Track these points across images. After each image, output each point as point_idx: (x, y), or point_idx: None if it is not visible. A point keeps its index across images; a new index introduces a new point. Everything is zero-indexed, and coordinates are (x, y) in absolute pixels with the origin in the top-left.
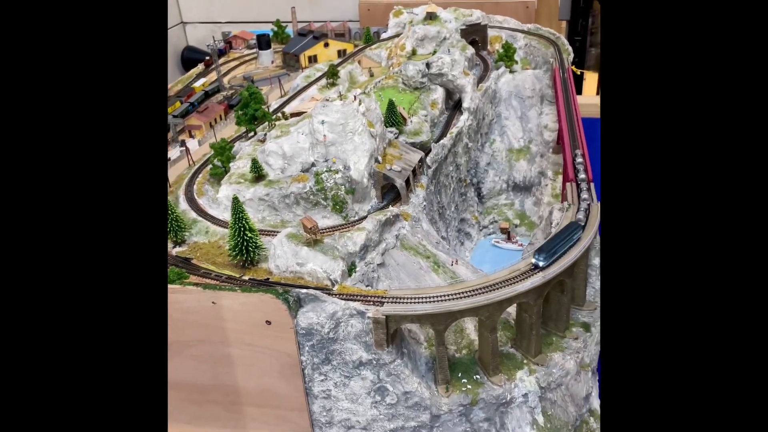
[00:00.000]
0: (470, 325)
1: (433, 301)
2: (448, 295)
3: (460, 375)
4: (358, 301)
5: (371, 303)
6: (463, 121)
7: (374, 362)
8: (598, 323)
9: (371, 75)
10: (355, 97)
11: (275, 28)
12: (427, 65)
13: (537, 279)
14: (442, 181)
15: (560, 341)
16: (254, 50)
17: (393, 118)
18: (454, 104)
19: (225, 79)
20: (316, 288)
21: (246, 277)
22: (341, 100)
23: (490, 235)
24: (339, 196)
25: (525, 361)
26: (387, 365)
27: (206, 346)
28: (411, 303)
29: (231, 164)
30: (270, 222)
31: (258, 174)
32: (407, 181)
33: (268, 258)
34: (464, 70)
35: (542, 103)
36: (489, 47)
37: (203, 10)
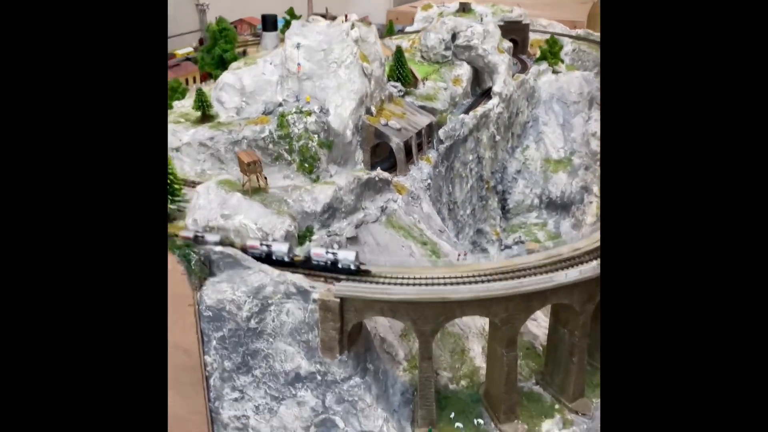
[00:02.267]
0: (477, 346)
1: (422, 284)
2: (443, 279)
3: (453, 416)
4: (302, 273)
5: (323, 279)
6: (492, 105)
7: (319, 377)
8: None
9: (387, 59)
10: (346, 16)
11: (287, 17)
12: (453, 36)
13: (588, 268)
14: (458, 170)
15: None
16: (259, 37)
17: (401, 71)
18: (482, 92)
19: None
20: (242, 249)
21: None
22: (328, 19)
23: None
24: (309, 148)
25: (557, 406)
26: (338, 384)
27: None
28: (385, 284)
29: (176, 103)
30: (211, 177)
31: (204, 112)
32: (407, 146)
33: (188, 212)
34: (498, 46)
35: (591, 107)
36: (530, 49)
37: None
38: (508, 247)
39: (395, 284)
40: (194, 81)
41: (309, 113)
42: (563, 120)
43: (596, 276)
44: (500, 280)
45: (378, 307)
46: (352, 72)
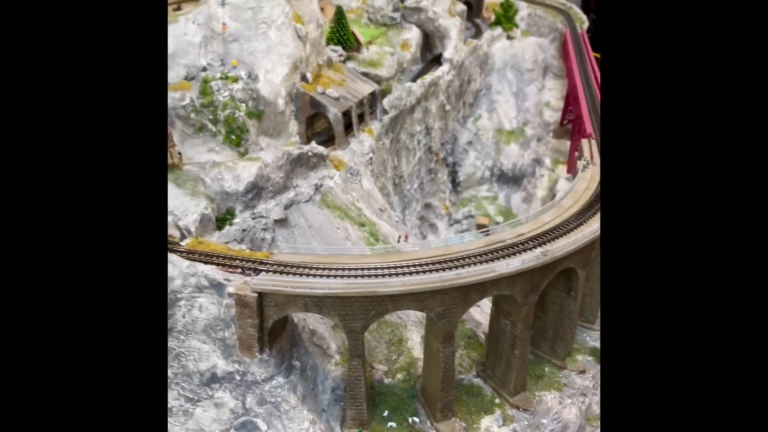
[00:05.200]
0: (416, 336)
1: (350, 276)
2: (374, 269)
3: (387, 414)
4: (217, 264)
5: (240, 270)
6: (442, 72)
7: (238, 377)
8: None
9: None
10: None
11: None
12: None
13: (531, 257)
14: (404, 142)
15: (557, 374)
16: None
17: (342, 34)
18: (432, 58)
19: None
20: None
21: None
22: None
23: (462, 232)
24: (236, 119)
25: (498, 401)
26: (259, 385)
27: None
28: (309, 276)
29: None
30: None
31: None
32: (347, 117)
33: None
34: (450, 9)
35: (545, 76)
36: (484, 13)
37: None
38: (457, 221)
39: (321, 276)
40: None
41: (235, 79)
42: (517, 89)
43: (540, 265)
44: (436, 270)
45: (302, 303)
46: (284, 34)
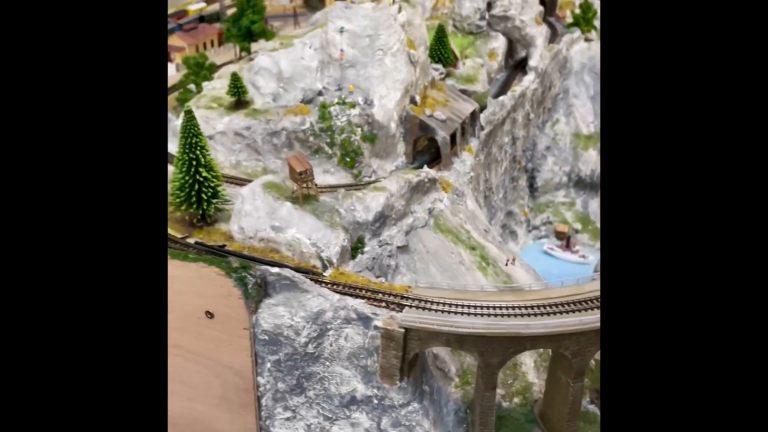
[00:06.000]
0: (529, 360)
1: (490, 315)
2: (515, 308)
3: None
4: (364, 298)
5: (384, 304)
6: (528, 81)
7: (376, 401)
8: None
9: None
10: (393, 0)
11: None
12: (489, 4)
13: None
14: (494, 154)
15: None
16: None
17: (442, 51)
18: (514, 64)
19: (229, 11)
20: (296, 269)
21: (192, 240)
22: (373, 1)
23: (541, 239)
24: (352, 142)
25: None
26: (396, 409)
27: None
28: (451, 313)
29: (205, 85)
30: (247, 169)
31: (239, 98)
32: (452, 138)
33: (232, 217)
34: (537, 17)
35: None
36: (558, 12)
37: None
38: (535, 227)
39: (462, 314)
40: (212, 45)
41: (353, 105)
42: (594, 92)
43: None
44: (573, 311)
45: (444, 338)
46: (399, 60)
